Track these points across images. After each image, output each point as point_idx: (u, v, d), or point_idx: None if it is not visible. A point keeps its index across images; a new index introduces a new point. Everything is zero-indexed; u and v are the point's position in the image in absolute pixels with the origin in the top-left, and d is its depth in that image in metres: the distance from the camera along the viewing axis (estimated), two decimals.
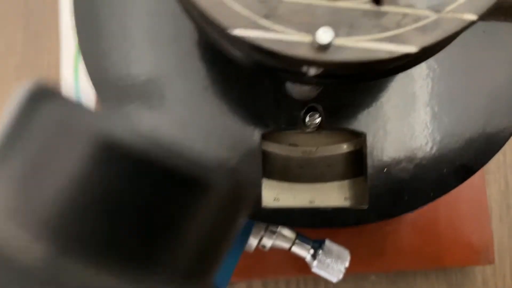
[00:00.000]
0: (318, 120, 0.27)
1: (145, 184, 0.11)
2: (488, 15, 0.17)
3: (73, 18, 0.26)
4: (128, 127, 0.11)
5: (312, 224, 0.26)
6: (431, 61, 0.26)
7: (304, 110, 0.27)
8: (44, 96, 0.12)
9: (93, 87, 0.26)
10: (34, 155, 0.11)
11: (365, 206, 0.26)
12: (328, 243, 0.36)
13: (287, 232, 0.33)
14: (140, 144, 0.11)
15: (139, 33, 0.27)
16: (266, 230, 0.33)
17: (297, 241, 0.36)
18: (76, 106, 0.11)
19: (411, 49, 0.16)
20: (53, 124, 0.11)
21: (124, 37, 0.26)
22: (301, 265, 0.36)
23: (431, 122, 0.26)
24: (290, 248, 0.37)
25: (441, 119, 0.26)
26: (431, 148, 0.26)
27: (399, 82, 0.27)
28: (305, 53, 0.16)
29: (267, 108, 0.27)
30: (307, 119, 0.27)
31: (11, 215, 0.11)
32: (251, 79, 0.27)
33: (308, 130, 0.27)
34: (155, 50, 0.27)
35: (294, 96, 0.23)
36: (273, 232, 0.34)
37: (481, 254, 0.48)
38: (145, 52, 0.27)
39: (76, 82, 0.50)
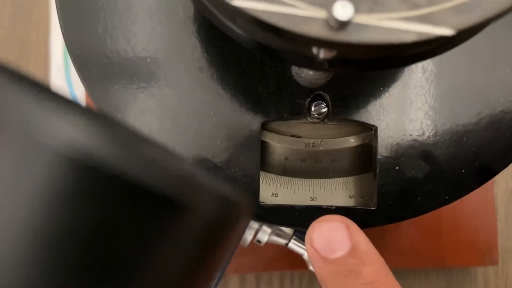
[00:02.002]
0: (324, 110, 0.24)
1: (122, 208, 0.08)
2: None
3: None
4: (104, 138, 0.08)
5: None
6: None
7: (309, 99, 0.24)
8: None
9: (73, 63, 0.23)
10: None
11: (374, 207, 0.24)
12: None
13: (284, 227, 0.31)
14: (118, 159, 0.08)
15: (128, 5, 0.24)
16: (261, 224, 0.31)
17: (294, 237, 0.34)
18: (37, 102, 0.08)
19: (446, 31, 0.14)
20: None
21: (110, 9, 0.24)
22: (297, 260, 0.34)
23: (449, 117, 0.24)
24: (287, 244, 0.34)
25: (461, 115, 0.24)
26: (449, 146, 0.23)
27: (416, 71, 0.24)
28: (318, 31, 0.14)
29: (269, 95, 0.24)
30: (312, 108, 0.24)
31: None
32: (251, 61, 0.24)
33: (313, 120, 0.25)
34: (145, 25, 0.24)
35: (300, 83, 0.20)
36: (270, 227, 0.32)
37: (484, 255, 0.46)
38: (134, 26, 0.24)
39: (65, 57, 0.47)
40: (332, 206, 0.24)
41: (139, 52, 0.24)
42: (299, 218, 0.24)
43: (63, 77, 0.47)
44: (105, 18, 0.23)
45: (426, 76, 0.24)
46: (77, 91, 0.46)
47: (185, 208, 0.09)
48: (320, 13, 0.14)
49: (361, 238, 0.20)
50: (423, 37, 0.14)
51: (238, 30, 0.17)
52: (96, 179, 0.08)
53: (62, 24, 0.24)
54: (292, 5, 0.14)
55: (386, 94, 0.24)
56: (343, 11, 0.13)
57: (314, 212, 0.24)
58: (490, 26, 0.20)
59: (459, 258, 0.46)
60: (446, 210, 0.45)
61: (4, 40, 0.50)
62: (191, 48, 0.24)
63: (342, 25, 0.13)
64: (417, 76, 0.24)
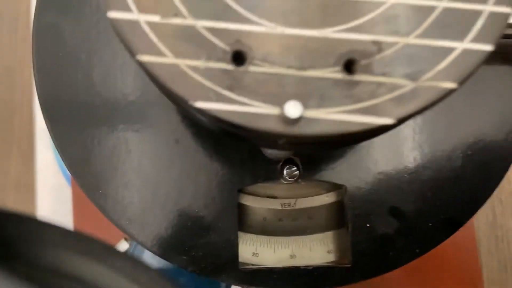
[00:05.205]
0: (296, 173, 0.25)
1: None
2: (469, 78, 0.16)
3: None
4: None
5: (294, 286, 0.24)
6: None
7: (281, 163, 0.25)
8: None
9: (55, 143, 0.24)
10: None
11: (349, 264, 0.25)
12: None
13: None
14: None
15: (105, 84, 0.25)
16: None
17: None
18: None
19: (387, 120, 0.15)
20: None
21: (88, 88, 0.25)
22: None
23: (414, 173, 0.25)
24: None
25: (424, 171, 0.25)
26: (415, 201, 0.25)
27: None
28: (273, 126, 0.15)
29: (243, 163, 0.25)
30: (284, 172, 0.25)
31: None
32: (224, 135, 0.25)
33: (287, 182, 0.26)
34: (121, 102, 0.25)
35: (268, 157, 0.22)
36: None
37: None
38: (111, 103, 0.25)
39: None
40: (309, 266, 0.25)
41: (117, 128, 0.25)
42: (278, 280, 0.25)
43: (48, 141, 0.48)
44: (85, 93, 0.25)
45: (390, 136, 0.25)
46: None
47: None
48: (274, 110, 0.15)
49: None
50: (367, 127, 0.15)
51: (203, 119, 0.18)
52: None
53: (42, 105, 0.25)
54: (249, 104, 0.15)
55: (354, 154, 0.26)
56: (293, 109, 0.15)
57: (292, 273, 0.25)
58: None
59: None
60: None
61: None
62: (167, 120, 0.26)
63: (294, 121, 0.15)
64: (382, 137, 0.25)
